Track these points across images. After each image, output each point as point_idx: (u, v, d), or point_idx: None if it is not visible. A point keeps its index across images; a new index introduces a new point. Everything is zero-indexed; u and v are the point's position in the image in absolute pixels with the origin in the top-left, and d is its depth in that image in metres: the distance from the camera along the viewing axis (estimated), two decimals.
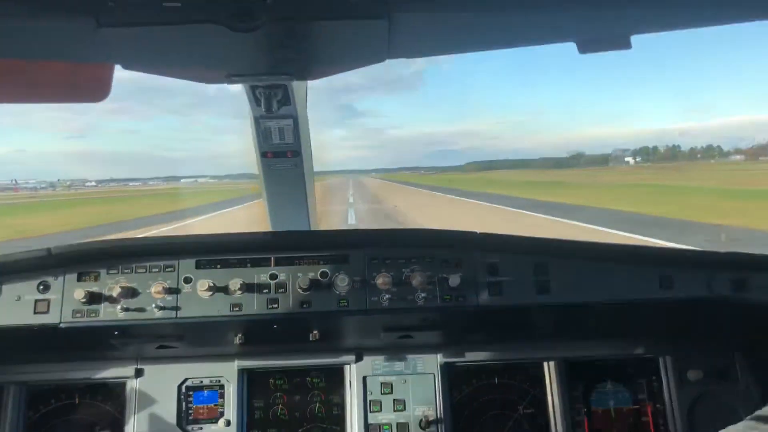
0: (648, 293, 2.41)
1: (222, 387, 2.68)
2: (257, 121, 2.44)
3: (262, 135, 2.51)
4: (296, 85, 2.17)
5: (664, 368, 2.79)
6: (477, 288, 2.39)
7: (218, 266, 2.37)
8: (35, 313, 2.29)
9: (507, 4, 1.33)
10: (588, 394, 2.79)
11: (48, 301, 2.31)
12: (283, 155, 2.62)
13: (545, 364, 2.78)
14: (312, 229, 3.05)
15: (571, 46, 1.52)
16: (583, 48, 1.52)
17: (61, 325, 2.29)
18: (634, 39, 1.46)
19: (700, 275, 2.43)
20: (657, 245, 2.58)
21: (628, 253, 2.48)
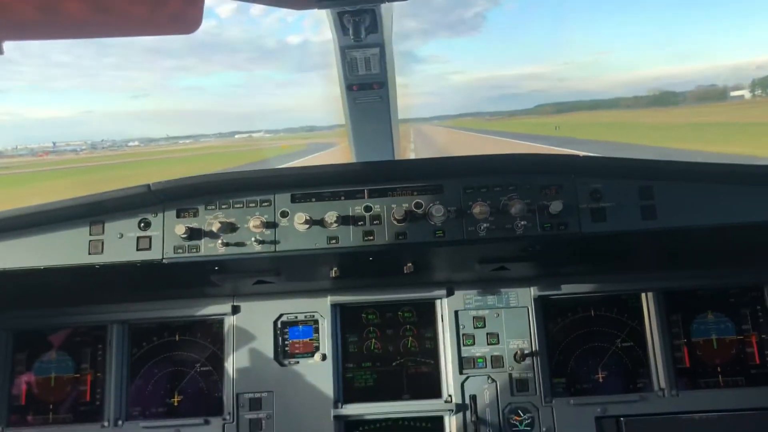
0: (760, 216, 2.49)
1: (316, 322, 3.04)
2: (343, 51, 2.62)
3: (348, 67, 2.70)
4: (384, 10, 2.32)
5: None
6: (579, 215, 2.53)
7: (313, 199, 2.64)
8: (138, 249, 2.63)
9: None
10: (688, 325, 2.97)
11: (149, 237, 2.64)
12: (369, 87, 2.82)
13: (643, 295, 2.97)
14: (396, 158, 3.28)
15: None
16: None
17: (164, 260, 2.62)
18: None
19: None
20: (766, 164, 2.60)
21: (737, 173, 2.54)
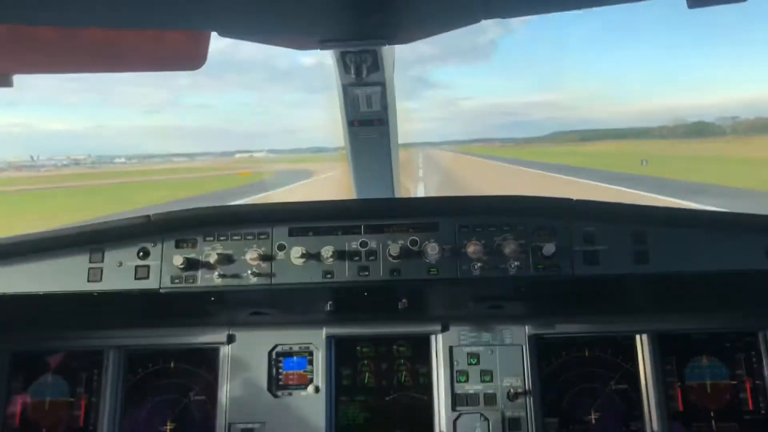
0: (752, 264, 2.76)
1: (311, 354, 3.31)
2: (345, 88, 2.96)
3: (350, 103, 3.03)
4: (385, 51, 2.64)
5: (764, 342, 3.17)
6: (572, 257, 2.82)
7: (310, 233, 2.94)
8: (136, 278, 2.93)
9: None
10: (682, 368, 3.22)
11: (148, 267, 2.94)
12: (369, 123, 3.15)
13: (638, 337, 3.22)
14: (397, 196, 3.58)
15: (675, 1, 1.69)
16: (694, 2, 1.69)
17: (161, 290, 2.91)
18: None
19: None
20: (761, 213, 2.89)
21: (731, 221, 2.83)
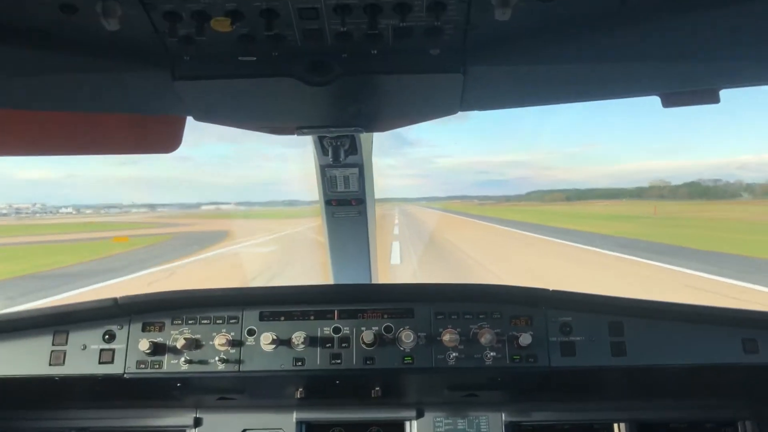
0: (730, 357, 2.94)
1: None
2: (323, 169, 3.15)
3: (328, 183, 3.22)
4: (364, 135, 2.85)
5: None
6: (549, 348, 2.97)
7: (282, 318, 3.07)
8: (100, 362, 3.03)
9: (587, 57, 1.57)
10: None
11: (113, 350, 3.04)
12: (347, 203, 3.33)
13: (616, 425, 3.37)
14: (373, 280, 3.75)
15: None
16: (668, 102, 1.88)
17: (125, 375, 3.01)
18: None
19: None
20: (737, 307, 3.08)
21: (707, 314, 3.01)
